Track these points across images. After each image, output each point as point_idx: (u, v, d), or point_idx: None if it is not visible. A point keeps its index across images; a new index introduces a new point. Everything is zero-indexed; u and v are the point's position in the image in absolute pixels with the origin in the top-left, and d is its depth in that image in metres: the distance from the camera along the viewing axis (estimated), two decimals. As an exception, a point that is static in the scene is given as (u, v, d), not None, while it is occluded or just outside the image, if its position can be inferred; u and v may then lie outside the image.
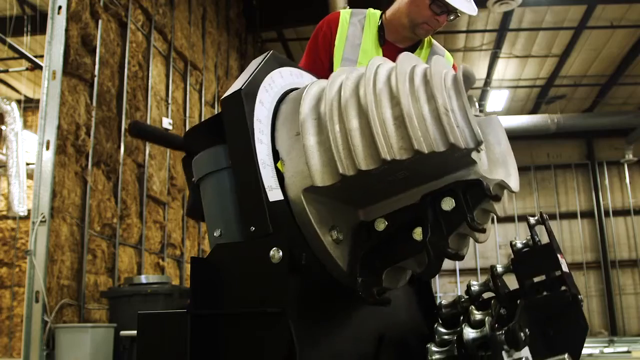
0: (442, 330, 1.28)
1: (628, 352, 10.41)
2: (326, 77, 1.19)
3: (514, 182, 1.15)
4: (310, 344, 1.06)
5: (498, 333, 1.10)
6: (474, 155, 1.09)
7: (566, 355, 1.06)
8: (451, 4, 2.16)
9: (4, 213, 8.69)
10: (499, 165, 1.17)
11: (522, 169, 15.89)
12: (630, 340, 12.54)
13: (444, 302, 1.35)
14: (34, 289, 4.44)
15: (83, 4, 5.17)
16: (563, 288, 1.21)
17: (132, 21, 6.16)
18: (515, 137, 14.70)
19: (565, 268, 1.25)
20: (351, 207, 1.18)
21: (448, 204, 1.09)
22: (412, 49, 2.37)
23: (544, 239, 1.30)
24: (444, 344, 1.22)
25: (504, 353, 1.06)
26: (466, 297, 1.32)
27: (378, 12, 2.43)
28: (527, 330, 1.11)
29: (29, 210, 6.15)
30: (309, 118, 1.13)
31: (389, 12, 2.39)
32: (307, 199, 1.10)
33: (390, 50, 2.35)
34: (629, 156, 15.15)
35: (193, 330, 1.10)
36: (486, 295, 1.34)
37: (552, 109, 14.49)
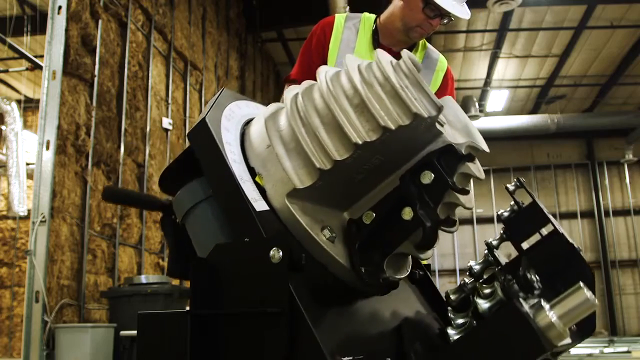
0: (456, 314, 1.29)
1: (628, 352, 10.42)
2: None
3: (482, 144, 1.19)
4: (318, 339, 1.07)
5: (511, 283, 1.11)
6: (438, 126, 1.13)
7: (580, 283, 1.07)
8: (444, 8, 2.19)
9: (4, 213, 8.70)
10: (464, 134, 1.20)
11: (522, 169, 15.91)
12: (630, 340, 12.55)
13: (450, 290, 1.34)
14: (34, 289, 4.44)
15: (83, 4, 5.17)
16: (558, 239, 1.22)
17: (132, 21, 6.16)
18: (515, 137, 14.74)
19: (557, 226, 1.27)
20: (337, 210, 1.20)
21: (427, 177, 1.11)
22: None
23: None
24: (461, 326, 1.22)
25: (521, 301, 1.06)
26: (470, 279, 1.32)
27: (373, 16, 2.45)
28: (536, 276, 1.12)
29: (29, 210, 6.16)
30: (275, 130, 1.17)
31: (383, 16, 2.41)
32: (293, 203, 1.12)
33: None
34: (629, 156, 15.17)
35: (193, 330, 1.10)
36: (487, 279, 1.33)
37: (552, 109, 14.50)
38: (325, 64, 2.34)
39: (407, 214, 1.11)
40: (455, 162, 1.13)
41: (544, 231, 1.30)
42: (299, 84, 1.98)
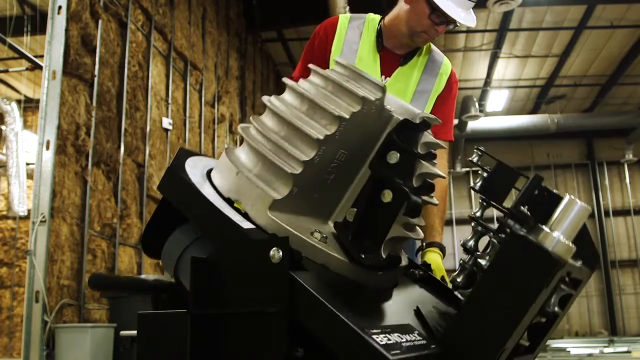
0: (465, 291, 1.30)
1: (628, 352, 10.42)
2: None
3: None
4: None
5: (505, 219, 1.16)
6: (387, 107, 1.20)
7: (567, 195, 1.10)
8: (451, 16, 2.15)
9: (4, 213, 8.69)
10: (408, 113, 1.25)
11: (523, 169, 15.76)
12: (630, 340, 12.56)
13: (453, 275, 1.34)
14: (34, 289, 4.44)
15: (83, 4, 5.17)
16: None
17: (132, 21, 6.16)
18: (515, 137, 14.75)
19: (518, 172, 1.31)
20: (320, 219, 1.23)
21: (394, 156, 1.16)
22: (411, 55, 2.35)
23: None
24: None
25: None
26: (467, 256, 1.32)
27: (377, 18, 2.40)
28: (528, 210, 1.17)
29: (29, 210, 6.15)
30: (239, 158, 1.24)
31: (388, 18, 2.35)
32: (276, 216, 1.15)
33: (388, 56, 2.34)
34: (629, 156, 15.16)
35: (193, 330, 1.10)
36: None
37: (552, 109, 14.50)
38: (328, 65, 2.31)
39: (387, 196, 1.14)
40: (415, 134, 1.18)
41: (518, 186, 1.33)
42: None
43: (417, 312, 1.22)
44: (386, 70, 2.33)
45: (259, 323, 1.08)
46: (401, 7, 2.30)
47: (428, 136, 1.21)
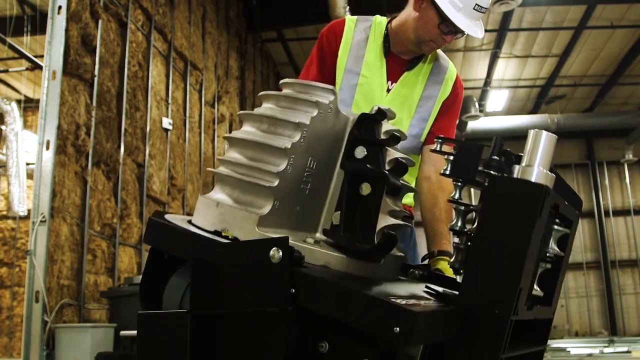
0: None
1: (628, 352, 10.41)
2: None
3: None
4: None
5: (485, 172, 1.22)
6: (342, 109, 1.27)
7: (531, 131, 1.18)
8: (460, 28, 2.12)
9: (4, 213, 8.69)
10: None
11: (522, 169, 15.85)
12: (630, 340, 12.55)
13: (449, 261, 1.35)
14: (34, 289, 4.44)
15: (83, 4, 5.17)
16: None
17: (132, 21, 6.16)
18: (515, 137, 14.71)
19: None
20: (307, 233, 1.26)
21: (360, 151, 1.20)
22: (417, 60, 2.32)
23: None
24: None
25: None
26: (457, 238, 1.32)
27: (384, 21, 2.35)
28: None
29: (29, 210, 6.15)
30: (214, 194, 1.29)
31: (395, 22, 2.31)
32: (265, 231, 1.17)
33: (394, 61, 2.31)
34: (629, 156, 15.15)
35: (193, 330, 1.10)
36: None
37: (552, 109, 14.49)
38: (335, 69, 2.28)
39: (365, 189, 1.18)
40: (374, 125, 1.23)
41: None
42: None
43: (428, 289, 1.24)
44: (392, 76, 2.30)
45: (259, 323, 1.08)
46: (409, 14, 2.24)
47: (387, 125, 1.26)
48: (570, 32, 11.35)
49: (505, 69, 12.94)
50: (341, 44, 2.30)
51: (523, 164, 1.14)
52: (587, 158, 16.39)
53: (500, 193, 1.10)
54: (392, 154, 1.23)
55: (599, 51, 12.21)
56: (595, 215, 15.93)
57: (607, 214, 16.02)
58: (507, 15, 10.61)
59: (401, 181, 1.24)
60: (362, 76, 2.27)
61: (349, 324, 1.01)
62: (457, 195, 1.30)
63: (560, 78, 13.32)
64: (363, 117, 1.24)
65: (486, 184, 1.17)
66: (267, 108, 1.31)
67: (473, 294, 1.07)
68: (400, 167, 1.23)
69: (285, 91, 1.32)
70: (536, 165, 1.14)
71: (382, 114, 1.23)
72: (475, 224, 1.16)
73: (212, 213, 1.24)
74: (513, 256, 1.05)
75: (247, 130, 1.30)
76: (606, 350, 10.85)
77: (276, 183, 1.17)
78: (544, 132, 1.15)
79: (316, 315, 1.04)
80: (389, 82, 2.30)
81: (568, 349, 10.97)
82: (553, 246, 1.21)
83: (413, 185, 2.32)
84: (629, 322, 15.52)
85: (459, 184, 1.29)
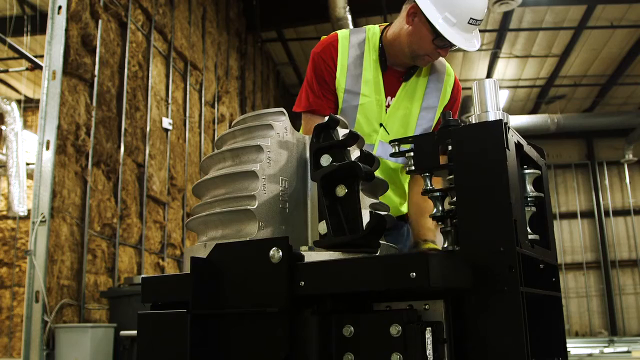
0: None
1: (628, 352, 10.42)
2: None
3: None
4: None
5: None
6: (291, 130, 1.32)
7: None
8: (454, 43, 2.08)
9: (4, 213, 8.69)
10: None
11: (522, 169, 15.85)
12: (630, 340, 12.55)
13: (443, 246, 1.36)
14: (34, 289, 4.44)
15: (83, 4, 5.17)
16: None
17: (132, 21, 6.16)
18: (515, 137, 14.70)
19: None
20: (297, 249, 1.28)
21: (325, 159, 1.25)
22: (413, 70, 2.29)
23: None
24: None
25: None
26: (443, 224, 1.32)
27: (378, 32, 2.29)
28: None
29: (29, 210, 6.15)
30: (200, 242, 1.31)
31: (389, 34, 2.25)
32: None
33: (391, 75, 2.28)
34: (629, 156, 15.14)
35: (193, 330, 1.10)
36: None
37: (552, 109, 14.49)
38: (335, 86, 2.24)
39: (340, 190, 1.21)
40: (329, 131, 1.28)
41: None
42: (319, 114, 2.18)
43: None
44: (390, 91, 2.27)
45: (259, 323, 1.08)
46: (402, 27, 2.19)
47: (343, 131, 1.32)
48: (570, 32, 11.34)
49: (505, 69, 12.94)
50: (337, 64, 2.24)
51: (477, 113, 1.22)
52: (587, 158, 16.39)
53: (466, 139, 1.16)
54: (356, 153, 1.27)
55: (599, 51, 12.21)
56: (595, 215, 15.93)
57: (607, 214, 16.02)
58: (507, 15, 10.61)
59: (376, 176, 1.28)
60: (363, 95, 2.23)
61: (368, 294, 1.05)
62: (429, 186, 1.32)
63: (560, 78, 13.31)
64: (317, 127, 1.28)
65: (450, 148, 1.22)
66: (225, 146, 1.35)
67: (474, 242, 1.12)
68: (367, 157, 1.27)
69: (238, 123, 1.37)
70: (489, 109, 1.21)
71: (333, 121, 1.28)
72: (455, 197, 1.20)
73: (202, 255, 1.23)
74: (496, 191, 1.11)
75: (213, 173, 1.33)
76: (606, 350, 10.85)
77: (256, 204, 1.20)
78: (486, 80, 1.22)
79: (333, 303, 1.08)
80: (388, 98, 2.27)
81: (568, 349, 10.95)
82: (530, 187, 1.29)
83: (398, 201, 2.34)
84: (629, 322, 15.52)
85: (426, 175, 1.32)
